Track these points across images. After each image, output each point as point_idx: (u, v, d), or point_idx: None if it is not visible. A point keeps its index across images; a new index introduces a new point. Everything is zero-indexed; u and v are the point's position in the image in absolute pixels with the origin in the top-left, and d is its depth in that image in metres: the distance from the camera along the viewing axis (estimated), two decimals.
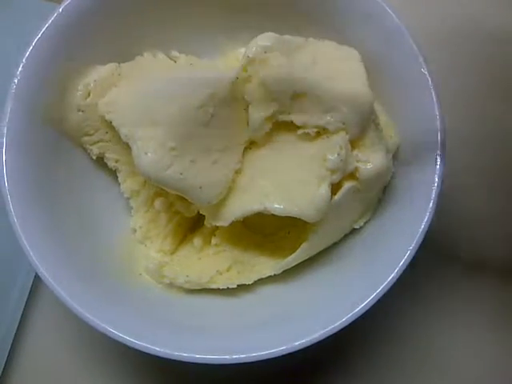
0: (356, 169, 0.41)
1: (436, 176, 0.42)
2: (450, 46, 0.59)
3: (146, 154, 0.41)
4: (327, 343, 0.39)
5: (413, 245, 0.41)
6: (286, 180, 0.41)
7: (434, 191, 0.42)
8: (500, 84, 0.59)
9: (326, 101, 0.40)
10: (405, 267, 0.40)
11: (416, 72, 0.44)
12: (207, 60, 0.52)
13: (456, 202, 0.56)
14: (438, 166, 0.42)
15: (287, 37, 0.42)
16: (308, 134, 0.41)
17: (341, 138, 0.40)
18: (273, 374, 0.51)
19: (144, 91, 0.44)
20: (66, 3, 0.43)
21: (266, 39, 0.41)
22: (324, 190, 0.40)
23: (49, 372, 0.53)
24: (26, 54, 0.42)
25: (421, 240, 0.41)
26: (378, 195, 0.46)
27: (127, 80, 0.46)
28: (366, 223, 0.46)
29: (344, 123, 0.40)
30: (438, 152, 0.42)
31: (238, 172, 0.44)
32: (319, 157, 0.40)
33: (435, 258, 0.54)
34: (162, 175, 0.41)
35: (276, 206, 0.41)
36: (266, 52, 0.40)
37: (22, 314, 0.53)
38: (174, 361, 0.38)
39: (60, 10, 0.43)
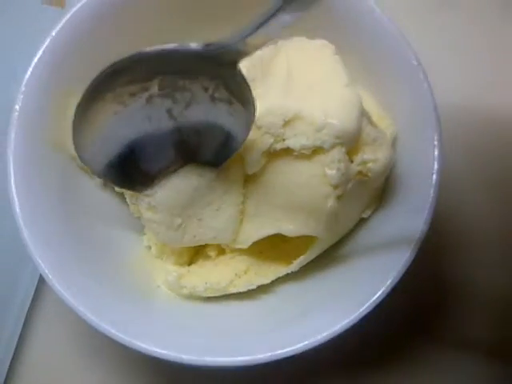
0: (367, 169, 0.41)
1: (435, 162, 0.42)
2: None
3: (158, 234, 0.44)
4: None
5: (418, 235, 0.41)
6: (292, 202, 0.41)
7: (434, 177, 0.42)
8: None
9: (316, 117, 0.39)
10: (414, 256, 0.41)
11: (406, 60, 0.44)
12: None
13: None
14: (436, 151, 0.42)
15: (258, 53, 0.42)
16: (303, 153, 0.40)
17: (337, 152, 0.39)
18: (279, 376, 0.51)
19: None
20: (58, 28, 0.43)
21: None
22: (330, 206, 0.40)
23: (53, 375, 0.54)
24: (25, 81, 0.42)
25: (426, 229, 0.41)
26: (382, 183, 0.46)
27: None
28: (373, 212, 0.47)
29: (338, 137, 0.39)
30: (436, 138, 0.43)
31: (243, 203, 0.44)
32: (319, 174, 0.40)
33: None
34: (179, 244, 0.44)
35: (287, 229, 0.42)
36: None
37: (26, 317, 0.53)
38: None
39: (53, 33, 0.43)
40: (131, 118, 0.38)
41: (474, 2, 0.62)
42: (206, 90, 0.37)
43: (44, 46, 0.43)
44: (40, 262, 0.40)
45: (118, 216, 0.49)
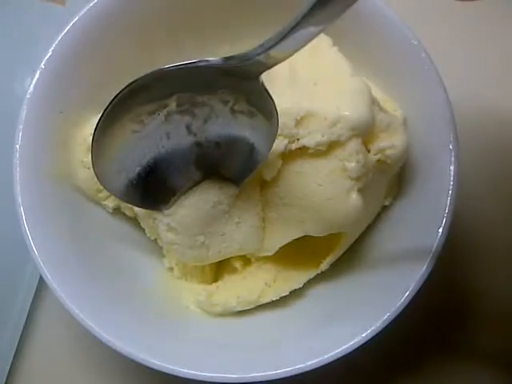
0: (386, 156, 0.41)
1: (452, 155, 0.41)
2: None
3: (182, 254, 0.43)
4: None
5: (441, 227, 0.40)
6: (314, 202, 0.40)
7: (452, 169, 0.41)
8: None
9: (328, 112, 0.38)
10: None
11: (405, 41, 0.43)
12: None
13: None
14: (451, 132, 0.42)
15: None
16: (319, 149, 0.39)
17: (354, 144, 0.39)
18: None
19: None
20: (47, 56, 0.42)
21: None
22: (354, 199, 0.39)
23: (54, 376, 0.53)
24: (22, 118, 0.41)
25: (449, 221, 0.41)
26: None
27: None
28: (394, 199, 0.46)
29: (354, 129, 0.38)
30: (448, 117, 0.42)
31: (263, 210, 0.43)
32: (338, 169, 0.39)
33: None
34: (205, 261, 0.44)
35: (314, 229, 0.41)
36: None
37: (27, 319, 0.52)
38: None
39: (42, 66, 0.42)
40: (150, 137, 0.38)
41: None
42: (225, 103, 0.36)
43: (35, 79, 0.42)
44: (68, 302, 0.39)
45: (132, 241, 0.48)
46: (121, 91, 0.34)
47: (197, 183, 0.41)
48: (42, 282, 0.52)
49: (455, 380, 0.53)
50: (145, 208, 0.42)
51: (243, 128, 0.37)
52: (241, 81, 0.33)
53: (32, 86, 0.42)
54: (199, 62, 0.33)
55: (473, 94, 0.57)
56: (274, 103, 0.34)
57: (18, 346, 0.52)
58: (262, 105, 0.35)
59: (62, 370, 0.53)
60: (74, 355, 0.52)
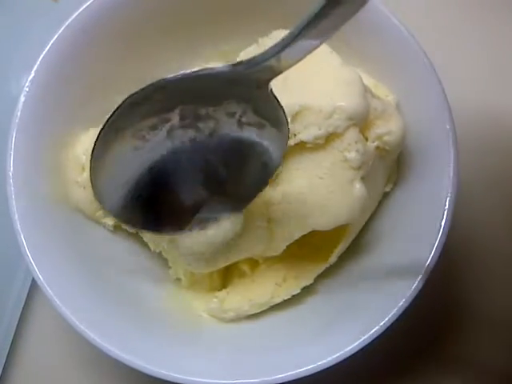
0: (384, 143, 0.41)
1: (451, 148, 0.41)
2: None
3: (189, 265, 0.42)
4: None
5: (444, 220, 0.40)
6: (318, 196, 0.40)
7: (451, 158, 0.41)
8: None
9: (323, 104, 0.38)
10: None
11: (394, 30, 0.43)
12: None
13: None
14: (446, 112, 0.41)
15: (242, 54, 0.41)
16: (318, 143, 0.39)
17: (352, 133, 0.38)
18: None
19: None
20: (30, 77, 0.41)
21: None
22: (358, 189, 0.39)
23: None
24: (13, 142, 0.41)
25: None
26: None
27: None
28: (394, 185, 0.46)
29: (351, 118, 0.38)
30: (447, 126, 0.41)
31: (266, 209, 0.41)
32: (339, 160, 0.39)
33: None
34: (213, 268, 0.43)
35: (320, 224, 0.40)
36: None
37: (18, 323, 0.52)
38: None
39: (26, 89, 0.41)
40: (153, 153, 0.35)
41: None
42: (232, 115, 0.34)
43: (21, 103, 0.41)
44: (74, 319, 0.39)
45: (136, 256, 0.48)
46: (120, 105, 0.33)
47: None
48: (35, 284, 0.50)
49: None
50: (150, 232, 0.40)
51: (252, 141, 0.35)
52: (248, 89, 0.32)
53: (18, 110, 0.41)
54: (203, 70, 0.31)
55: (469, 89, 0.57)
56: (284, 111, 0.33)
57: (11, 344, 0.51)
58: (270, 114, 0.33)
59: (56, 367, 0.52)
60: (67, 353, 0.52)
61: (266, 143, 0.35)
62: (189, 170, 0.37)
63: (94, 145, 0.34)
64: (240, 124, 0.34)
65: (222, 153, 0.36)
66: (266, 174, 0.36)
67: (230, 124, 0.34)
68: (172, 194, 0.37)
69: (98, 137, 0.33)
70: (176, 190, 0.37)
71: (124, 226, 0.44)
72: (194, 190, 0.37)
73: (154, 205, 0.37)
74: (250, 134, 0.34)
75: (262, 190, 0.37)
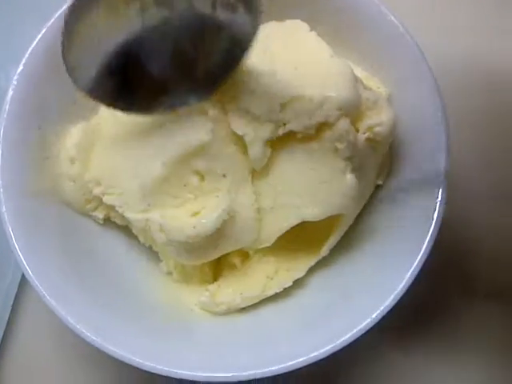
0: (375, 134, 0.40)
1: (443, 134, 0.41)
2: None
3: (178, 255, 0.42)
4: None
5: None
6: (309, 186, 0.40)
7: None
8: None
9: (313, 94, 0.38)
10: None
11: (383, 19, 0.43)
12: None
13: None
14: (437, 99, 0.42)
15: None
16: (308, 133, 0.38)
17: (343, 124, 0.38)
18: None
19: (129, 158, 0.42)
20: (18, 70, 0.41)
21: None
22: (349, 179, 0.39)
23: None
24: (1, 133, 0.40)
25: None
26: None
27: (103, 137, 0.44)
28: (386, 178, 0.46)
29: (341, 108, 0.38)
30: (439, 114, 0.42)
31: (257, 200, 0.41)
32: (330, 151, 0.39)
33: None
34: (202, 260, 0.43)
35: (312, 214, 0.40)
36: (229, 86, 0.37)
37: (9, 318, 0.51)
38: None
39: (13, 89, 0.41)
40: (125, 29, 0.35)
41: None
42: None
43: (9, 96, 0.41)
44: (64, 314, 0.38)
45: (126, 250, 0.47)
46: None
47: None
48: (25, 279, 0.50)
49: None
50: (116, 107, 0.39)
51: (224, 23, 0.35)
52: None
53: (7, 103, 0.41)
54: None
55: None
56: None
57: (2, 339, 0.51)
58: None
59: (47, 362, 0.52)
60: (59, 348, 0.51)
61: (237, 26, 0.34)
62: (160, 48, 0.36)
63: (67, 12, 0.33)
64: (214, 4, 0.34)
65: (193, 33, 0.36)
66: (236, 55, 0.35)
67: (204, 4, 0.34)
68: (143, 71, 0.37)
69: (71, 3, 0.33)
70: (147, 68, 0.37)
71: (114, 215, 0.44)
72: (165, 68, 0.37)
73: (126, 82, 0.37)
74: (224, 15, 0.34)
75: (231, 72, 0.36)
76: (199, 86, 0.37)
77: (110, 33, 0.35)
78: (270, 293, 0.44)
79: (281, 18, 0.43)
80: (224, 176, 0.40)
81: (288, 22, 0.43)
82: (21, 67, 0.41)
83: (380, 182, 0.45)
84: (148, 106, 0.38)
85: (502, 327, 0.52)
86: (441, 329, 0.52)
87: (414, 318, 0.51)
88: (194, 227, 0.39)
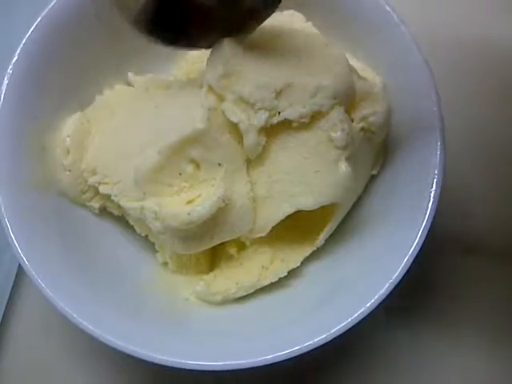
0: (369, 123, 0.41)
1: (436, 120, 0.41)
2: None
3: (173, 244, 0.42)
4: None
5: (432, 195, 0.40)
6: (303, 175, 0.40)
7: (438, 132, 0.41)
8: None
9: (308, 82, 0.38)
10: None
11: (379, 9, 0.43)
12: (165, 75, 0.50)
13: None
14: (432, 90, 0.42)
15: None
16: (303, 122, 0.39)
17: (337, 113, 0.38)
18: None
19: (122, 149, 0.42)
20: (13, 60, 0.41)
21: (220, 58, 0.38)
22: (343, 168, 0.39)
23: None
24: None
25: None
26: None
27: (98, 126, 0.45)
28: (381, 168, 0.46)
29: (335, 97, 0.38)
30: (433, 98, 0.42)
31: (252, 189, 0.41)
32: (324, 140, 0.39)
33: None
34: (198, 249, 0.42)
35: (306, 203, 0.40)
36: (225, 74, 0.38)
37: (5, 310, 0.51)
38: None
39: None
40: None
41: None
42: None
43: (4, 85, 0.41)
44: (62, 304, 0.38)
45: (123, 240, 0.48)
46: None
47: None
48: (22, 271, 0.51)
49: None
50: (162, 41, 0.39)
51: None
52: None
53: (2, 94, 0.41)
54: None
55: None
56: None
57: None
58: None
59: (44, 352, 0.52)
60: (56, 339, 0.51)
61: None
62: None
63: None
64: None
65: None
66: None
67: None
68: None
69: None
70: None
71: (110, 205, 0.45)
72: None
73: (170, 16, 0.38)
74: None
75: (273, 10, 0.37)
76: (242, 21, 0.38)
77: None
78: (266, 283, 0.44)
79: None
80: (219, 165, 0.40)
81: (284, 12, 0.43)
82: (16, 57, 0.41)
83: (375, 173, 0.45)
84: (189, 40, 0.39)
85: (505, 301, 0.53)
86: (444, 304, 0.53)
87: (416, 295, 0.52)
88: (189, 214, 0.39)
